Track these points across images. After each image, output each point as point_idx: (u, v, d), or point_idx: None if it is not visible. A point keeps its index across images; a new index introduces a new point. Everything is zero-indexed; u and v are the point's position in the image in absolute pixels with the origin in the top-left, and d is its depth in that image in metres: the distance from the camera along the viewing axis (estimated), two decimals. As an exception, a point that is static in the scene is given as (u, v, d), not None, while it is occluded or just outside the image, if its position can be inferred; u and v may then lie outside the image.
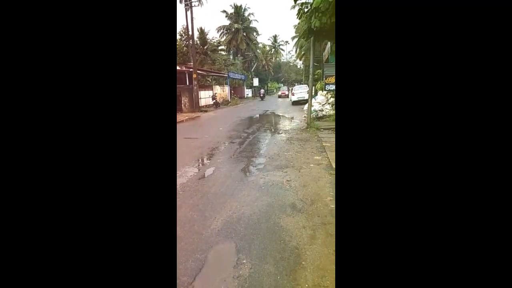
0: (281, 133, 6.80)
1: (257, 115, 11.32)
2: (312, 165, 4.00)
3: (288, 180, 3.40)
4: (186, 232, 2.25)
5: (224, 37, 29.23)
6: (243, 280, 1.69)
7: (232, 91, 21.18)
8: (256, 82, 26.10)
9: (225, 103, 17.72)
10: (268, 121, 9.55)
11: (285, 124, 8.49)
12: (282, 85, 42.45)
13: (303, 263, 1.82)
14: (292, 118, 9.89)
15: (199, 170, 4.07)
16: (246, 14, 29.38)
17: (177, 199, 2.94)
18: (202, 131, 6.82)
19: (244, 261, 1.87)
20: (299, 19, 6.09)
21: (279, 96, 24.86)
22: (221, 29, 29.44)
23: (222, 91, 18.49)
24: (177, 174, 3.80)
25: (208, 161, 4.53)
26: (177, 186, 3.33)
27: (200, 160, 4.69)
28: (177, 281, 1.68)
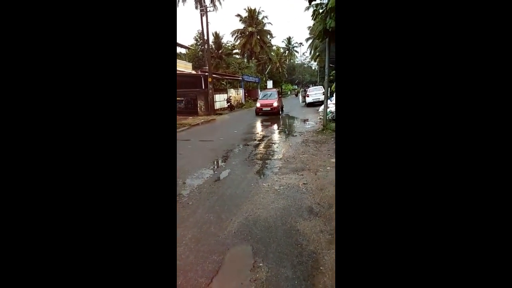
0: (296, 135, 6.73)
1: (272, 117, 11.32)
2: (329, 167, 3.91)
3: (304, 183, 3.34)
4: (203, 234, 2.28)
5: (239, 40, 29.57)
6: (260, 283, 1.67)
7: (247, 94, 21.32)
8: (270, 84, 26.01)
9: (240, 106, 17.86)
10: (283, 123, 9.51)
11: (300, 126, 8.40)
12: (296, 86, 42.08)
13: (321, 268, 1.77)
14: (307, 120, 9.78)
15: (214, 172, 4.11)
16: (260, 17, 29.60)
17: (194, 201, 2.99)
18: (217, 133, 6.91)
19: (261, 264, 1.85)
20: (314, 20, 6.03)
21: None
22: (235, 33, 29.83)
23: (236, 94, 18.66)
24: (194, 176, 3.87)
25: (223, 164, 4.57)
26: (194, 188, 3.38)
27: (215, 162, 4.74)
28: (195, 282, 1.69)
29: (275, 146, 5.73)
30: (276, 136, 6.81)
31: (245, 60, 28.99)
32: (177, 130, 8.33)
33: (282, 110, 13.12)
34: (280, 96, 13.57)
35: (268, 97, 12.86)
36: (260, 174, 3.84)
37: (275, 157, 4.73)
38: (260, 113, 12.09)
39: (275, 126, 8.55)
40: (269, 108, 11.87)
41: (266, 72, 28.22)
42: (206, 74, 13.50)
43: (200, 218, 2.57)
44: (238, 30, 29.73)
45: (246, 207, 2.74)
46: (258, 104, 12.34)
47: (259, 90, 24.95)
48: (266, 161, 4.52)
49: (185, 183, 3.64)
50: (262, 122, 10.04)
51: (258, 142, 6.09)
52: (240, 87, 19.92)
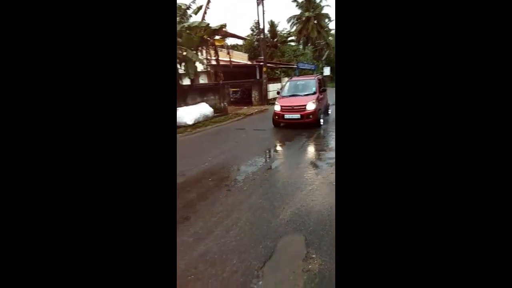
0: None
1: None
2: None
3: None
4: (256, 219, 2.35)
5: (294, 27, 28.60)
6: (313, 275, 1.64)
7: (301, 83, 20.64)
8: (327, 71, 24.37)
9: (294, 95, 17.48)
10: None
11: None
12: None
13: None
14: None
15: (267, 161, 4.18)
16: (317, 0, 27.83)
17: (248, 187, 3.11)
18: (269, 123, 6.94)
19: (314, 256, 1.82)
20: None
21: None
22: (291, 19, 28.91)
23: (290, 83, 18.32)
24: (248, 163, 4.01)
25: (276, 153, 4.59)
26: (248, 174, 3.51)
27: (268, 151, 4.80)
28: (248, 264, 1.78)
29: (330, 136, 5.44)
30: (331, 126, 6.45)
31: (301, 47, 27.95)
32: (233, 119, 8.72)
33: (327, 114, 7.71)
34: (322, 88, 7.39)
35: (299, 91, 7.07)
36: (314, 165, 3.72)
37: (330, 148, 4.49)
38: (280, 123, 6.64)
39: (330, 115, 8.04)
40: (297, 115, 6.26)
41: (324, 58, 26.63)
42: (261, 63, 13.59)
43: (253, 203, 2.66)
44: (295, 16, 28.68)
45: (299, 198, 2.71)
46: (277, 107, 6.66)
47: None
48: (320, 152, 4.35)
49: (239, 169, 3.80)
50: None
51: (311, 132, 5.88)
52: (295, 75, 19.43)
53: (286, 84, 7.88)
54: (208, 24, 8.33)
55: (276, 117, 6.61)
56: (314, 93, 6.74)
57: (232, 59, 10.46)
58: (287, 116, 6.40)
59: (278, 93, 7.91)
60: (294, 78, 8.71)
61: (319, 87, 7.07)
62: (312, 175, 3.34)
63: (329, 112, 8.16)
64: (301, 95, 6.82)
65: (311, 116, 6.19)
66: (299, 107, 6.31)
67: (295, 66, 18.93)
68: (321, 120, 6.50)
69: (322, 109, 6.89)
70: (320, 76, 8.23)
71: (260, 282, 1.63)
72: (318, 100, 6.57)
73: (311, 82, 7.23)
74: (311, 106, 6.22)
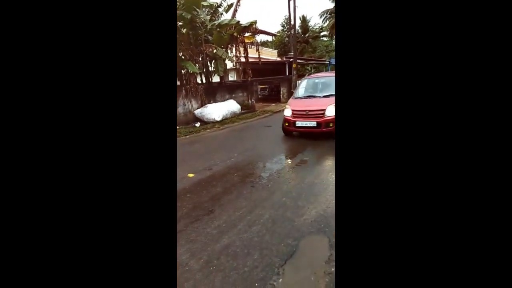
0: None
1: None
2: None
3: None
4: (279, 217, 2.34)
5: (327, 21, 27.53)
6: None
7: (332, 79, 19.91)
8: (360, 67, 23.15)
9: (324, 92, 16.94)
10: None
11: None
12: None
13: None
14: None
15: (293, 159, 4.11)
16: (353, -9, 26.37)
17: (273, 184, 3.10)
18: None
19: (337, 259, 1.75)
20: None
21: None
22: (324, 13, 27.88)
23: (321, 80, 17.77)
24: (273, 161, 3.99)
25: (302, 152, 4.50)
26: (273, 172, 3.50)
27: (294, 149, 4.72)
28: (269, 260, 1.78)
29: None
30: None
31: (333, 42, 26.88)
32: (260, 116, 8.74)
33: None
34: None
35: (318, 91, 5.50)
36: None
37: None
38: (292, 132, 5.32)
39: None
40: (313, 123, 4.88)
41: (357, 54, 25.26)
42: (291, 60, 13.37)
43: (277, 201, 2.64)
44: (327, 10, 27.56)
45: (324, 198, 2.62)
46: (287, 112, 5.27)
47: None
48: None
49: (265, 166, 3.81)
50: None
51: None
52: (327, 71, 18.79)
53: (302, 82, 6.01)
54: (238, 21, 8.41)
55: (286, 124, 5.18)
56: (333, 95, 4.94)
57: (261, 56, 10.45)
58: (299, 123, 4.88)
59: (291, 94, 5.78)
60: (313, 75, 6.54)
61: None
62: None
63: None
64: (319, 97, 5.19)
65: (331, 125, 4.61)
66: (316, 112, 4.78)
67: (327, 62, 18.29)
68: None
69: None
70: None
71: (280, 280, 1.62)
72: None
73: (331, 79, 5.48)
74: (331, 111, 4.63)
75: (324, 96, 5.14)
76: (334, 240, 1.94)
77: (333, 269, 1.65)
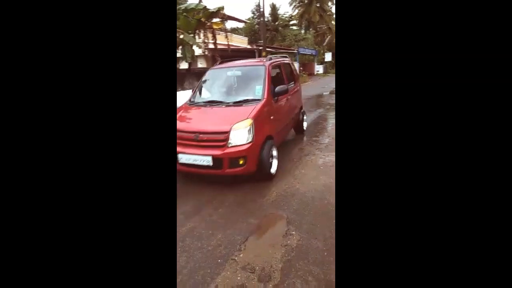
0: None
1: (326, 93, 10.64)
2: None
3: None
4: (243, 199, 2.48)
5: (296, 10, 27.72)
6: (290, 249, 1.78)
7: (301, 68, 20.38)
8: (328, 57, 23.88)
9: (293, 81, 17.25)
10: (337, 100, 8.83)
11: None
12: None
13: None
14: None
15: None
16: (321, -19, 26.77)
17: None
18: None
19: (293, 233, 1.95)
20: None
21: None
22: (293, 2, 27.96)
23: (290, 69, 18.04)
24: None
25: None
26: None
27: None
28: (233, 238, 1.91)
29: (326, 123, 5.49)
30: (330, 113, 6.48)
31: (302, 32, 27.26)
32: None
33: (300, 130, 4.40)
34: (287, 85, 3.40)
35: (229, 94, 3.16)
36: (304, 152, 3.81)
37: (324, 135, 4.57)
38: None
39: (328, 103, 7.98)
40: (207, 159, 2.43)
41: (325, 44, 26.05)
42: (260, 48, 13.35)
43: (243, 184, 2.77)
44: (297, -2, 27.73)
45: (287, 180, 2.81)
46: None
47: (315, 64, 23.13)
48: (313, 138, 4.42)
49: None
50: (315, 97, 9.42)
51: (310, 120, 5.93)
52: (295, 60, 19.13)
53: (206, 75, 3.51)
54: (205, 6, 8.13)
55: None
56: (261, 99, 2.82)
57: (231, 43, 10.28)
58: (184, 158, 2.55)
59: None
60: (225, 64, 3.72)
61: (281, 80, 3.44)
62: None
63: (304, 126, 4.54)
64: (229, 104, 2.91)
65: (241, 162, 2.48)
66: (214, 137, 2.53)
67: (296, 51, 18.60)
68: (273, 166, 2.80)
69: (282, 134, 3.31)
70: (287, 60, 4.08)
71: (241, 255, 1.76)
72: (262, 114, 2.70)
73: (257, 72, 3.16)
74: (242, 135, 2.47)
75: (236, 104, 2.82)
76: (292, 216, 2.15)
77: (289, 242, 1.85)
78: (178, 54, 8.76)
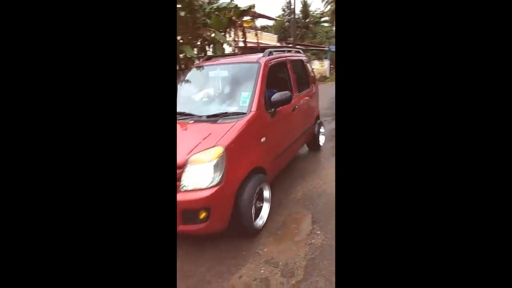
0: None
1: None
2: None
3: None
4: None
5: (329, 6, 26.81)
6: (314, 248, 1.78)
7: (332, 66, 19.74)
8: (361, 55, 22.74)
9: (322, 79, 16.81)
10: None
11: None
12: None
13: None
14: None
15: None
16: (357, -26, 25.47)
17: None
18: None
19: (318, 232, 1.94)
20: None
21: None
22: (326, -2, 27.10)
23: (320, 66, 17.57)
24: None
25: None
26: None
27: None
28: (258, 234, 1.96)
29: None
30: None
31: (334, 29, 26.33)
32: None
33: (316, 145, 3.43)
34: (308, 80, 3.04)
35: (208, 103, 2.27)
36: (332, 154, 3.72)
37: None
38: None
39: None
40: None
41: (358, 41, 24.79)
42: (290, 45, 13.21)
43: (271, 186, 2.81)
44: (330, -7, 26.78)
45: (312, 180, 2.79)
46: None
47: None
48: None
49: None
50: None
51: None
52: (326, 58, 18.56)
53: (186, 76, 2.62)
54: (236, 5, 8.26)
55: None
56: (246, 112, 1.87)
57: (260, 41, 10.31)
58: None
59: None
60: (209, 61, 2.69)
61: (287, 83, 2.55)
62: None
63: (321, 141, 3.60)
64: (202, 119, 1.94)
65: (202, 215, 1.52)
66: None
67: (327, 49, 18.05)
68: (261, 215, 1.95)
69: (282, 160, 2.39)
70: (298, 56, 3.25)
71: (265, 249, 1.80)
72: (268, 132, 2.02)
73: (248, 72, 2.16)
74: (199, 176, 1.52)
75: (210, 119, 1.93)
76: (317, 216, 2.13)
77: (313, 241, 1.85)
78: (209, 52, 9.04)
